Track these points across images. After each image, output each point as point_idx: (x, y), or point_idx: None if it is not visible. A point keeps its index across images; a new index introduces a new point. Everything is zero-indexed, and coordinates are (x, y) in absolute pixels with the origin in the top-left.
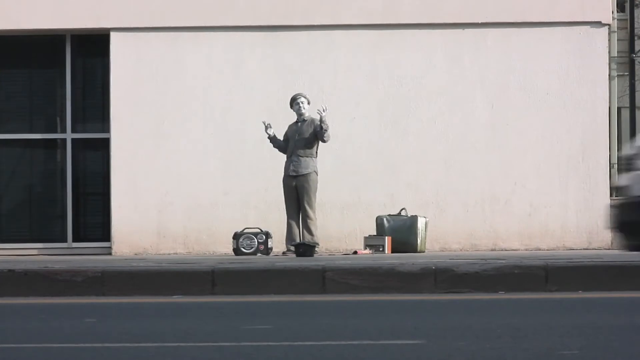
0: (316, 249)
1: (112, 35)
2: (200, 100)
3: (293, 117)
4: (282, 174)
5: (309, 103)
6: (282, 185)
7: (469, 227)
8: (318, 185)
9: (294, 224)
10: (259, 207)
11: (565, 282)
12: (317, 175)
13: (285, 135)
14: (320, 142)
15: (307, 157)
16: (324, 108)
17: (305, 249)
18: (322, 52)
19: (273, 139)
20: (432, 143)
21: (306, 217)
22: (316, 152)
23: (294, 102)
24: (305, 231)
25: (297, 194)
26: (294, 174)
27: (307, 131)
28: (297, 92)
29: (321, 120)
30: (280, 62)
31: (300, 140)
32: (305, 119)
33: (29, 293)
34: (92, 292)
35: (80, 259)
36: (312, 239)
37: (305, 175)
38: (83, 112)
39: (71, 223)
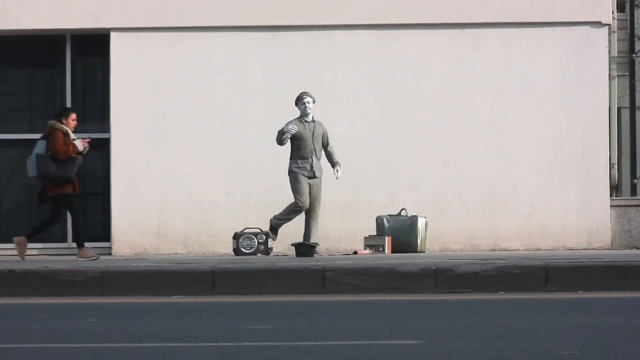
0: (316, 248)
1: (112, 35)
2: (200, 100)
3: (293, 117)
4: (282, 174)
5: (314, 102)
6: (282, 186)
7: (469, 227)
8: None
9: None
10: (259, 207)
11: (565, 282)
12: None
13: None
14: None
15: (320, 159)
16: (337, 173)
17: (305, 249)
18: (322, 52)
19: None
20: (432, 143)
21: (317, 218)
22: None
23: (299, 101)
24: (313, 230)
25: (310, 195)
26: (314, 175)
27: (321, 134)
28: (303, 91)
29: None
30: (280, 62)
31: (317, 142)
32: (313, 119)
33: (29, 293)
34: (92, 292)
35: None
36: (314, 238)
37: (320, 178)
38: (83, 112)
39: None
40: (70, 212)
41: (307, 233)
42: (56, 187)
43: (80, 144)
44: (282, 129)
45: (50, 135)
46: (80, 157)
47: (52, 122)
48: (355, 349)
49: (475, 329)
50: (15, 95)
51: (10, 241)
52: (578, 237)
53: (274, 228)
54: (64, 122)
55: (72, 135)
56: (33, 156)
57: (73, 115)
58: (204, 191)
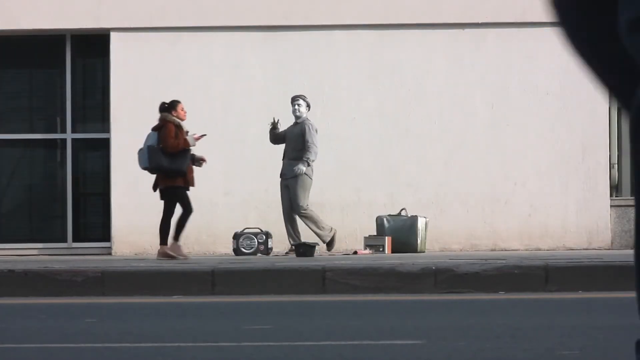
0: (332, 243)
1: (112, 35)
2: (200, 100)
3: (292, 117)
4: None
5: (308, 105)
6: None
7: (469, 227)
8: (319, 184)
9: (287, 224)
10: (259, 207)
11: (565, 282)
12: (308, 176)
13: (284, 135)
14: None
15: (295, 160)
16: (300, 170)
17: (305, 249)
18: (322, 52)
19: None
20: (432, 143)
21: (302, 216)
22: None
23: (292, 102)
24: (311, 229)
25: (289, 195)
26: (283, 176)
27: (298, 134)
28: (298, 94)
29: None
30: (280, 62)
31: (290, 143)
32: (298, 121)
33: (29, 293)
34: (92, 292)
35: (80, 259)
36: (322, 234)
37: (294, 178)
38: (83, 112)
39: (71, 223)
40: (181, 206)
41: (315, 232)
42: (167, 179)
43: (192, 140)
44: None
45: (162, 128)
46: (190, 150)
47: (164, 114)
48: (355, 349)
49: (475, 329)
50: (15, 95)
51: (11, 241)
52: (578, 237)
53: (329, 242)
54: (174, 114)
55: (185, 129)
56: (144, 147)
57: (181, 105)
58: (204, 191)
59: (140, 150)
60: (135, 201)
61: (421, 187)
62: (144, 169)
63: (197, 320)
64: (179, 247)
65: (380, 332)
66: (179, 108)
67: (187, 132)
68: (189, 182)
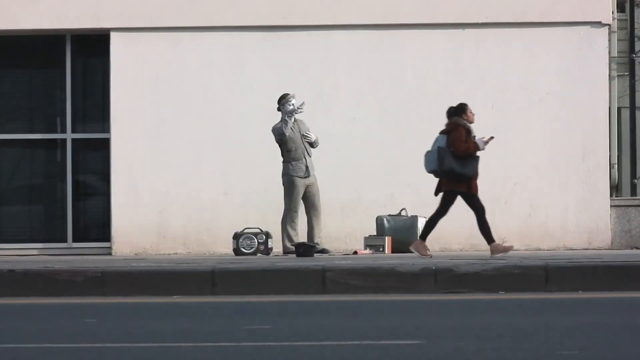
0: (317, 247)
1: (112, 35)
2: (200, 100)
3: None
4: (281, 173)
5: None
6: (283, 185)
7: (469, 227)
8: (319, 184)
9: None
10: (259, 207)
11: (565, 282)
12: None
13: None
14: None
15: (311, 157)
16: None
17: (305, 249)
18: (322, 52)
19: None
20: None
21: (320, 215)
22: None
23: (287, 102)
24: (316, 229)
25: (309, 193)
26: (309, 174)
27: (305, 131)
28: (286, 92)
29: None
30: (280, 62)
31: (303, 141)
32: (295, 119)
33: (29, 293)
34: (92, 292)
35: (80, 259)
36: (319, 236)
37: (314, 175)
38: (83, 112)
39: (71, 223)
40: (472, 210)
41: (310, 232)
42: (451, 183)
43: (482, 144)
44: (279, 125)
45: (452, 131)
46: (479, 156)
47: (454, 118)
48: (355, 349)
49: (475, 329)
50: (15, 95)
51: (11, 241)
52: (578, 237)
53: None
54: (464, 117)
55: (473, 133)
56: (433, 150)
57: (469, 108)
58: (204, 191)
59: (428, 152)
60: (135, 201)
61: (421, 187)
62: (430, 172)
63: (197, 320)
64: (423, 246)
65: (380, 332)
66: (468, 111)
67: (475, 136)
68: (472, 188)
